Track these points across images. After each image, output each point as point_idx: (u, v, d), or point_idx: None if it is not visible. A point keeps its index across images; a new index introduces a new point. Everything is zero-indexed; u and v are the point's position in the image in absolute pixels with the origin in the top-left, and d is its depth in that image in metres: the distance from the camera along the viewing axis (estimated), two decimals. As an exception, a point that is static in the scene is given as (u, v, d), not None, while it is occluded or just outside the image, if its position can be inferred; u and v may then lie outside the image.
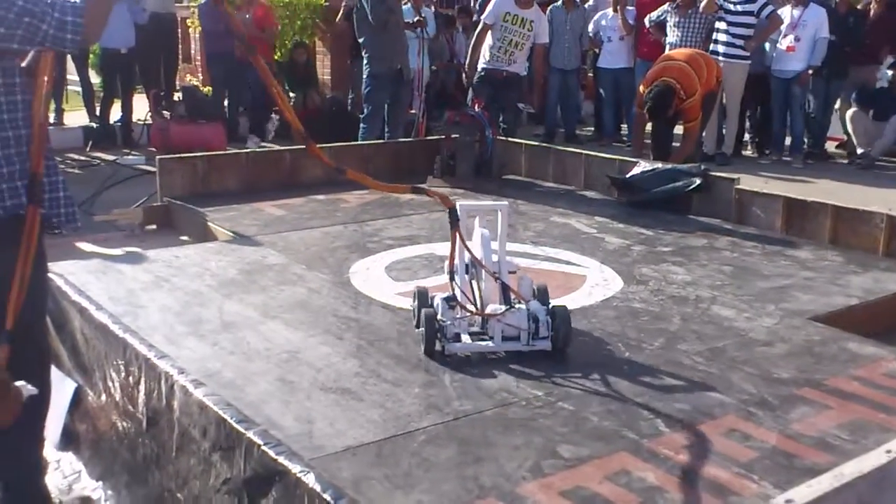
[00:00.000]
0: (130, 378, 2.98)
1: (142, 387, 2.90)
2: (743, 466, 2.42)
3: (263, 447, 2.35)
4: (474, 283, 3.33)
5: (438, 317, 3.15)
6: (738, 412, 2.77)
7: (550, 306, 3.24)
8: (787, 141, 10.00)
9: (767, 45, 9.66)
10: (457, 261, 3.25)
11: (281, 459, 2.30)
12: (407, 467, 2.37)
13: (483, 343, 3.19)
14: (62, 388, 3.42)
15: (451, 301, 3.20)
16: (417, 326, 3.27)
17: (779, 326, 3.56)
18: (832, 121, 10.25)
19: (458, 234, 3.18)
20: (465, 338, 3.20)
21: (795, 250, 4.73)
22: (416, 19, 8.79)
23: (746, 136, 10.53)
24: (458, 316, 3.19)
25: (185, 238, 5.16)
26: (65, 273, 3.81)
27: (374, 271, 4.20)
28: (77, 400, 3.42)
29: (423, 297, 3.32)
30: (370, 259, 4.41)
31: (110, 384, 3.14)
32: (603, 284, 4.08)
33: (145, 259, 4.26)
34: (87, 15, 2.51)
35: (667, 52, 8.82)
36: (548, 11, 9.82)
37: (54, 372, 3.38)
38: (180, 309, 3.56)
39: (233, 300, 3.70)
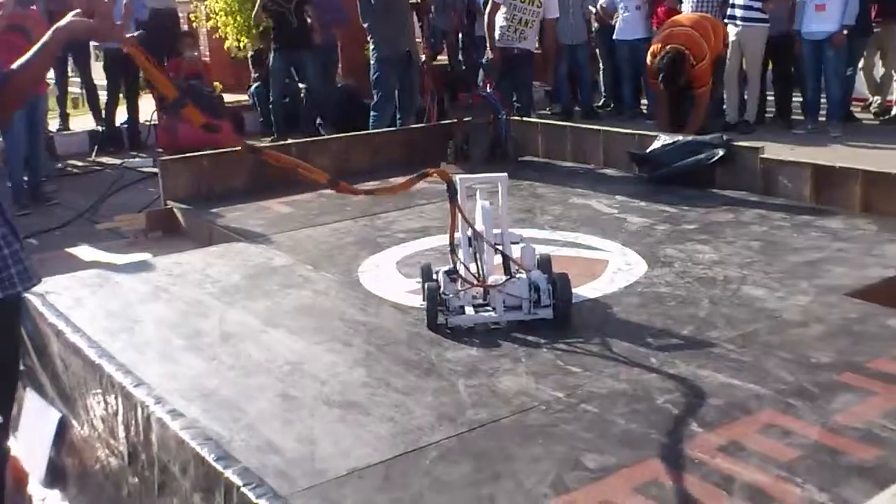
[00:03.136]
0: (109, 408, 2.81)
1: (120, 418, 2.72)
2: (784, 468, 2.22)
3: (243, 489, 2.13)
4: (477, 255, 3.36)
5: (441, 290, 3.17)
6: (775, 405, 2.56)
7: (552, 275, 3.26)
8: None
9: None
10: (458, 234, 3.30)
11: (262, 503, 2.07)
12: (418, 489, 2.18)
13: (486, 314, 3.22)
14: (46, 417, 3.27)
15: (452, 274, 3.23)
16: (423, 300, 3.27)
17: (813, 305, 3.35)
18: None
19: (457, 207, 3.23)
20: (469, 310, 3.22)
21: (826, 220, 4.50)
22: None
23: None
24: (460, 288, 3.22)
25: (190, 243, 5.00)
26: (59, 289, 3.66)
27: (384, 268, 4.02)
28: (62, 430, 3.24)
29: (426, 272, 3.35)
30: (380, 255, 4.22)
31: (92, 414, 2.96)
32: (626, 269, 3.87)
33: (144, 268, 4.11)
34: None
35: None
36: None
37: (37, 400, 3.22)
38: (178, 321, 3.40)
39: (235, 308, 3.53)
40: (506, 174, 3.61)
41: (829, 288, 3.52)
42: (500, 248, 3.36)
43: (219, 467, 2.21)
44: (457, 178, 3.32)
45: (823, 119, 9.33)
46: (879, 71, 10.01)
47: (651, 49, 7.68)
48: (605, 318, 3.34)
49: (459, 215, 3.28)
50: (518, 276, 3.28)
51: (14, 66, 2.45)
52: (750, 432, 2.42)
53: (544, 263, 3.42)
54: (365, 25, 7.66)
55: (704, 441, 2.38)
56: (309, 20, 9.59)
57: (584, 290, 3.57)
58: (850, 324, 3.15)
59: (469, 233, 3.40)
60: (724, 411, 2.54)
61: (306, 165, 3.11)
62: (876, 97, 10.12)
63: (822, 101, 9.40)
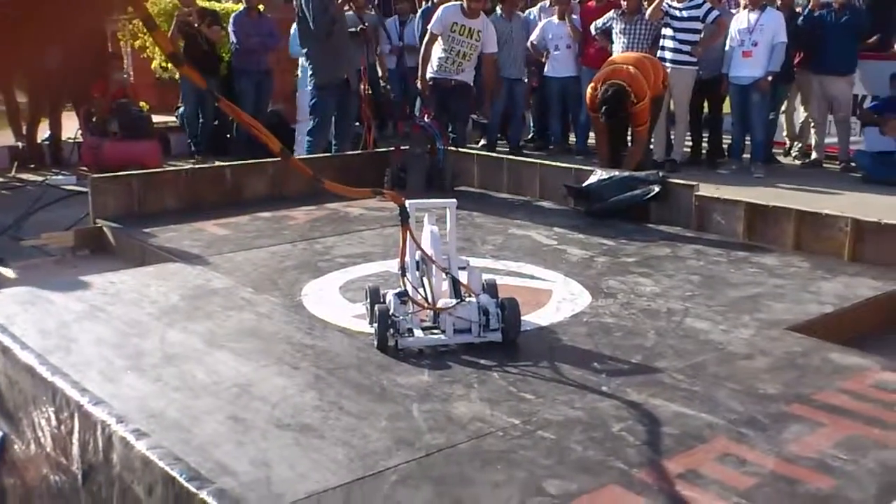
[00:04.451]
0: (62, 427, 2.66)
1: (75, 437, 2.58)
2: (744, 496, 2.22)
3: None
4: (425, 278, 3.39)
5: (391, 312, 3.18)
6: (728, 434, 2.58)
7: (500, 299, 3.29)
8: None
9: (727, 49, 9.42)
10: (407, 257, 3.34)
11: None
12: (379, 514, 2.12)
13: (435, 336, 3.24)
14: (-15, 436, 3.09)
15: (402, 296, 3.25)
16: (371, 323, 3.28)
17: (757, 338, 3.40)
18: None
19: (408, 231, 3.23)
20: (418, 332, 3.24)
21: (761, 257, 4.58)
22: (359, 28, 8.49)
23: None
24: (409, 311, 3.23)
25: (120, 262, 4.84)
26: (-13, 306, 3.49)
27: (327, 293, 3.94)
28: (3, 450, 3.07)
29: (375, 293, 3.34)
30: (323, 279, 4.14)
31: (40, 433, 2.81)
32: (570, 299, 3.87)
33: (78, 286, 3.93)
34: None
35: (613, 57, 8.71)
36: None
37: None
38: (118, 340, 3.26)
39: (175, 329, 3.41)
40: (455, 200, 3.60)
41: (770, 322, 3.57)
42: (448, 271, 3.37)
43: (192, 488, 2.11)
44: (408, 202, 3.31)
45: (746, 160, 9.61)
46: (800, 116, 10.36)
47: (592, 84, 7.81)
48: (554, 345, 3.33)
49: (410, 238, 3.27)
50: (467, 299, 3.28)
51: None
52: (707, 460, 2.42)
53: (491, 288, 3.43)
54: (303, 51, 7.60)
55: (663, 468, 2.37)
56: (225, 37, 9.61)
57: (531, 318, 3.56)
58: (793, 357, 3.20)
59: (418, 256, 3.39)
60: (678, 439, 2.54)
61: (262, 128, 2.95)
62: (796, 142, 10.46)
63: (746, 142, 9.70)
